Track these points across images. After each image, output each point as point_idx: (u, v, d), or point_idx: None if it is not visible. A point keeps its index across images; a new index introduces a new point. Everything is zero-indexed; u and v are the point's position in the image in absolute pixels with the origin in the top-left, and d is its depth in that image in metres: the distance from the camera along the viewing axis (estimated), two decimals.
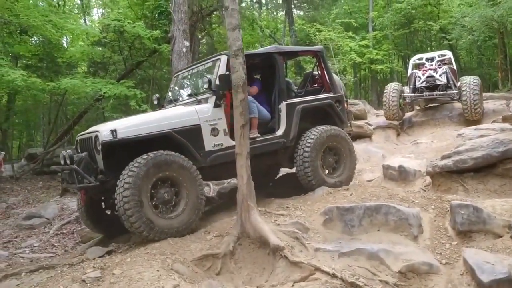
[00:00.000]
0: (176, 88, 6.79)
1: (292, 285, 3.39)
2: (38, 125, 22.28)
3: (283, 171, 7.55)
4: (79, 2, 22.74)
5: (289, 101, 6.09)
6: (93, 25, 16.53)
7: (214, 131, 5.34)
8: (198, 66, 6.32)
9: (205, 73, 5.81)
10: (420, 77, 11.59)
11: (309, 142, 5.89)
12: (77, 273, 3.69)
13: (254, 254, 4.31)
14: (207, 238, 4.59)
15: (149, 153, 4.68)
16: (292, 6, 17.50)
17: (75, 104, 19.83)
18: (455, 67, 11.90)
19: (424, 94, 11.49)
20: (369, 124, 11.16)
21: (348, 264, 3.81)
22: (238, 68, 4.72)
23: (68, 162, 5.15)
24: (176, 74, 7.00)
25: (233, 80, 4.73)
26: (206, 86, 5.42)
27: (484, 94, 12.30)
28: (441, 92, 11.27)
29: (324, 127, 6.10)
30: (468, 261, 3.66)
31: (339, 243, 4.22)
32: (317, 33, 14.28)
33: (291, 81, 6.97)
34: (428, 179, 6.55)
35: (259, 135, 5.74)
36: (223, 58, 5.68)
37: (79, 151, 5.34)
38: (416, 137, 11.20)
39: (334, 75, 6.90)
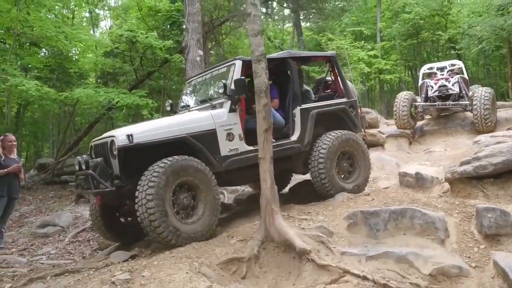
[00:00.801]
0: (189, 94, 6.79)
1: (326, 285, 3.35)
2: (47, 136, 22.37)
3: (298, 178, 7.55)
4: (87, 15, 23.02)
5: (303, 106, 6.07)
6: (104, 36, 16.63)
7: (230, 136, 5.32)
8: (211, 72, 6.33)
9: (219, 79, 5.82)
10: (432, 87, 11.52)
11: (322, 153, 5.84)
12: (105, 276, 3.68)
13: (279, 258, 4.28)
14: (230, 243, 4.57)
15: (165, 160, 4.63)
16: (301, 17, 17.65)
17: (84, 115, 19.95)
18: (466, 77, 11.84)
19: (436, 103, 11.42)
20: (382, 133, 11.14)
21: (376, 267, 3.79)
22: (261, 73, 4.75)
23: (83, 167, 5.13)
24: (189, 80, 7.01)
25: (256, 85, 4.74)
26: (221, 91, 5.40)
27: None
28: (454, 102, 11.18)
29: (336, 133, 6.06)
30: (500, 264, 3.64)
31: (365, 247, 4.20)
32: (328, 42, 14.36)
33: (310, 90, 6.96)
34: (446, 185, 6.51)
35: (274, 140, 5.64)
36: (238, 63, 5.69)
37: (94, 156, 5.31)
38: (429, 145, 11.14)
39: (347, 81, 6.88)
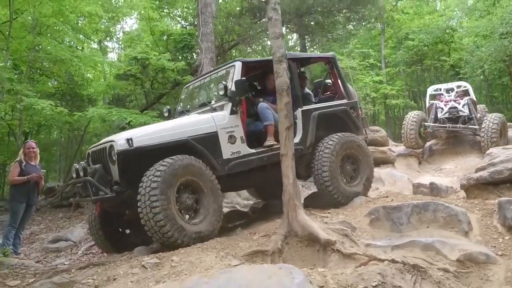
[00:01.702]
0: (187, 99, 6.64)
1: (355, 267, 3.35)
2: (54, 164, 22.46)
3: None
4: (95, 46, 23.61)
5: (305, 107, 5.99)
6: (119, 60, 16.99)
7: (232, 139, 5.21)
8: (210, 75, 6.25)
9: (219, 82, 5.68)
10: (442, 108, 11.45)
11: (325, 157, 5.69)
12: (133, 262, 3.70)
13: (303, 252, 4.29)
14: (253, 238, 4.60)
15: (154, 173, 4.36)
16: (307, 45, 18.11)
17: (91, 143, 20.09)
18: (474, 98, 11.84)
19: (447, 125, 11.25)
20: (392, 151, 11.20)
21: (403, 255, 3.78)
22: (282, 73, 4.88)
23: (81, 174, 4.93)
24: (187, 85, 6.86)
25: (277, 84, 4.87)
26: (222, 92, 5.29)
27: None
28: (464, 126, 11.08)
29: (338, 136, 5.92)
30: None
31: (389, 239, 4.23)
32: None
33: (311, 92, 6.83)
34: (461, 194, 6.51)
35: (276, 142, 5.48)
36: (238, 64, 5.61)
37: (91, 164, 5.12)
38: (438, 165, 11.14)
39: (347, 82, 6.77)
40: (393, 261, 3.46)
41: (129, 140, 4.59)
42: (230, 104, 5.32)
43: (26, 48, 13.77)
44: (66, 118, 12.73)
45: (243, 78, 5.40)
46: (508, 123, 13.80)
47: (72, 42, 17.20)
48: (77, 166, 5.04)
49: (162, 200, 4.23)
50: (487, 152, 8.70)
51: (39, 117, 12.79)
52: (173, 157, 4.55)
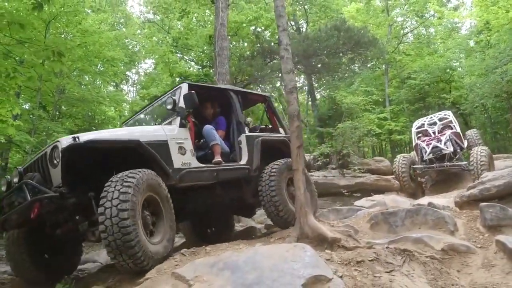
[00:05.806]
0: (130, 125, 6.49)
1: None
2: None
3: None
4: (111, 89, 25.03)
5: (248, 134, 6.18)
6: (138, 98, 18.20)
7: (182, 150, 5.16)
8: (155, 103, 6.31)
9: (163, 108, 5.65)
10: (425, 149, 11.55)
11: (273, 173, 5.86)
12: (172, 255, 4.44)
13: None
14: (270, 241, 5.32)
15: (123, 183, 3.99)
16: (315, 85, 19.26)
17: None
18: (457, 129, 12.00)
19: (434, 165, 11.46)
20: (395, 179, 11.91)
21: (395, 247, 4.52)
22: (293, 102, 5.78)
23: (15, 180, 4.59)
24: (126, 122, 6.83)
25: (289, 111, 5.75)
26: (170, 107, 5.30)
27: (500, 155, 12.98)
28: (452, 164, 11.29)
29: (283, 160, 6.08)
30: (500, 240, 4.39)
31: (386, 239, 4.96)
32: (342, 98, 15.63)
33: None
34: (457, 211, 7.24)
35: (222, 161, 5.65)
36: (184, 86, 5.69)
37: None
38: (439, 194, 11.78)
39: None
40: (387, 248, 4.21)
41: (75, 138, 4.24)
42: (178, 118, 5.35)
43: (52, 90, 14.97)
44: None
45: (191, 91, 5.36)
46: (497, 155, 14.35)
47: (89, 85, 18.49)
48: (8, 177, 4.71)
49: (133, 216, 3.86)
50: (482, 175, 9.47)
51: None
52: (138, 169, 4.27)
